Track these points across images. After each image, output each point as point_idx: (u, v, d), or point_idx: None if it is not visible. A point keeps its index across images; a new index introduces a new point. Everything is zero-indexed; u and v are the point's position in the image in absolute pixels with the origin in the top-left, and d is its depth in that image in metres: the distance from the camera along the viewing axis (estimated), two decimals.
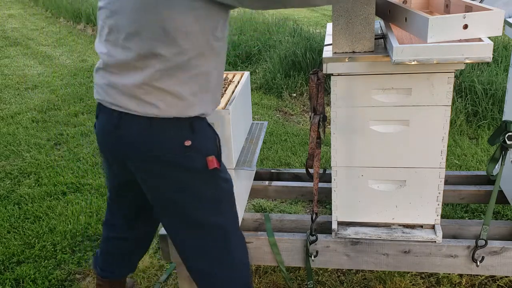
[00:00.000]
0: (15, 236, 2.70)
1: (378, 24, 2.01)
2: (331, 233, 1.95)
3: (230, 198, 1.67)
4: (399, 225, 1.93)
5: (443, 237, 1.90)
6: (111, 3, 1.41)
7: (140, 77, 1.40)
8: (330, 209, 2.30)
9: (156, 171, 1.52)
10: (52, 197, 3.09)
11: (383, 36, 1.83)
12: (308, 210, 2.88)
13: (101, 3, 1.47)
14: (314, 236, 1.92)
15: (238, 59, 5.71)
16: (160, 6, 1.31)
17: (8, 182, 3.31)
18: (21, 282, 2.35)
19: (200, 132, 1.50)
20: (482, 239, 1.82)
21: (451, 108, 1.78)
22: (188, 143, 1.47)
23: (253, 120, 2.53)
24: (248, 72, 2.31)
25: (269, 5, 1.41)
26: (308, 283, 2.01)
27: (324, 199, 2.50)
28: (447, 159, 2.75)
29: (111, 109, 1.49)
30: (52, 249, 2.58)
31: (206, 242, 1.66)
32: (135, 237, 1.93)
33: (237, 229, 1.75)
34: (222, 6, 1.37)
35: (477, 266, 1.86)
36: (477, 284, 2.20)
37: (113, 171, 1.71)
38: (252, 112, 2.73)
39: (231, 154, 1.89)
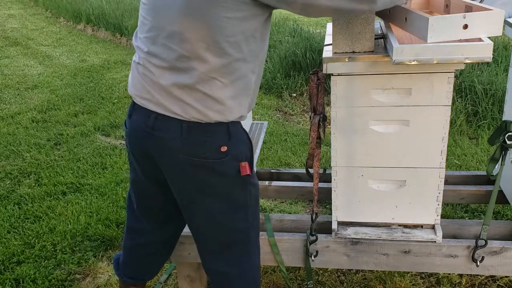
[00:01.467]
0: (15, 236, 2.70)
1: (378, 24, 2.01)
2: (331, 233, 1.95)
3: (256, 204, 1.65)
4: (399, 225, 1.93)
5: (443, 237, 1.90)
6: (155, 0, 1.39)
7: (180, 78, 1.38)
8: (330, 209, 2.30)
9: (188, 174, 1.49)
10: (52, 197, 3.09)
11: (383, 36, 1.83)
12: (308, 210, 2.88)
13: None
14: (314, 236, 1.92)
15: None
16: (205, 7, 1.29)
17: (8, 182, 3.31)
18: (21, 282, 2.35)
19: (235, 138, 1.47)
20: (482, 239, 1.82)
21: (451, 108, 1.79)
22: (224, 148, 1.44)
23: (253, 120, 2.52)
24: None
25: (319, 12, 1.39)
26: (308, 283, 2.01)
27: (324, 199, 2.50)
28: (447, 159, 2.75)
29: (147, 109, 1.46)
30: (52, 249, 2.58)
31: (229, 246, 1.65)
32: (162, 240, 1.87)
33: (258, 234, 1.73)
34: (266, 7, 1.34)
35: (477, 266, 1.86)
36: (477, 284, 2.20)
37: (145, 172, 1.65)
38: (252, 112, 2.73)
39: None
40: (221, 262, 1.70)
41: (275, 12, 1.70)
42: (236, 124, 1.48)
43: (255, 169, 2.30)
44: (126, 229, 1.89)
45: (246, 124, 2.31)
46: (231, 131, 1.45)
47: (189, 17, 1.31)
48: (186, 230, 2.05)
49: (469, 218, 2.70)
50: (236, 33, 1.33)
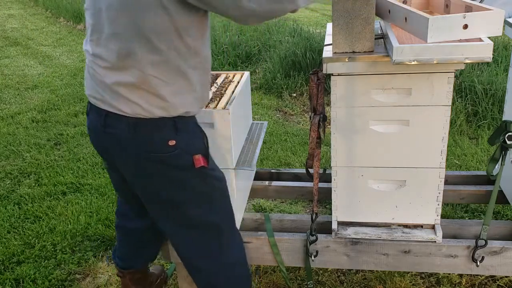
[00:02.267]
0: (15, 236, 2.70)
1: (378, 24, 2.01)
2: (331, 233, 1.95)
3: (223, 197, 1.68)
4: (399, 225, 1.93)
5: (443, 237, 1.90)
6: (94, 4, 1.44)
7: (122, 77, 1.43)
8: (330, 209, 2.30)
9: (143, 169, 1.54)
10: (52, 197, 3.09)
11: (383, 36, 1.83)
12: (308, 210, 2.88)
13: (86, 4, 1.50)
14: (314, 236, 1.92)
15: (238, 59, 5.71)
16: (132, 6, 1.33)
17: (8, 182, 3.31)
18: (21, 282, 2.35)
19: (184, 132, 1.51)
20: (482, 239, 1.82)
21: (451, 108, 1.79)
22: (172, 142, 1.49)
23: (253, 120, 2.53)
24: (248, 72, 2.31)
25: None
26: (308, 283, 2.01)
27: (324, 199, 2.50)
28: (447, 159, 2.75)
29: (99, 108, 1.52)
30: (52, 249, 2.58)
31: (201, 240, 1.68)
32: (146, 227, 1.92)
33: (232, 227, 1.76)
34: (192, 5, 1.37)
35: (477, 266, 1.86)
36: (477, 284, 2.20)
37: (111, 166, 1.72)
38: (252, 112, 2.73)
39: (231, 154, 1.89)
40: (195, 257, 1.72)
41: None
42: (186, 118, 1.52)
43: (254, 168, 2.30)
44: (116, 210, 1.97)
45: (246, 124, 2.31)
46: (179, 126, 1.49)
47: (123, 17, 1.36)
48: None
49: (469, 218, 2.70)
50: (167, 30, 1.36)
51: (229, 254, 1.75)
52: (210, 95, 2.00)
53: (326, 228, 2.02)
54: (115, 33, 1.39)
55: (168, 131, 1.48)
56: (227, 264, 1.75)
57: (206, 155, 1.56)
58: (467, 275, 2.23)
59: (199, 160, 1.53)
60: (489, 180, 2.34)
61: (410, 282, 2.22)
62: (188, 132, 1.53)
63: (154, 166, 1.52)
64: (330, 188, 1.93)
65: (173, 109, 1.47)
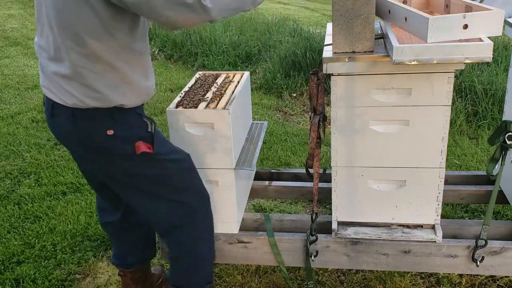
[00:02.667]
0: (15, 236, 2.70)
1: (378, 24, 2.01)
2: (331, 233, 1.95)
3: (185, 176, 1.71)
4: (399, 225, 1.94)
5: (443, 237, 1.90)
6: None
7: (59, 68, 1.47)
8: (330, 209, 2.30)
9: (90, 159, 1.61)
10: (52, 197, 3.09)
11: (383, 36, 1.83)
12: (308, 210, 2.88)
13: None
14: (314, 236, 1.92)
15: (238, 59, 5.71)
16: (62, 2, 1.37)
17: (8, 182, 3.31)
18: (21, 282, 2.35)
19: (123, 122, 1.54)
20: (482, 239, 1.82)
21: (451, 108, 1.79)
22: (110, 132, 1.52)
23: (253, 120, 2.53)
24: (248, 72, 2.31)
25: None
26: (308, 283, 2.01)
27: (324, 199, 2.50)
28: (447, 159, 2.75)
29: (48, 97, 1.56)
30: (52, 249, 2.58)
31: (168, 229, 1.76)
32: (124, 218, 1.93)
33: (204, 218, 1.79)
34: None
35: (477, 266, 1.86)
36: (477, 284, 2.20)
37: (72, 156, 1.77)
38: (252, 112, 2.73)
39: (231, 154, 1.89)
40: (169, 245, 1.79)
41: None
42: (124, 110, 1.54)
43: (254, 168, 2.30)
44: (96, 206, 2.01)
45: (246, 124, 2.31)
46: (116, 116, 1.52)
47: (55, 12, 1.39)
48: None
49: (469, 218, 2.70)
50: (95, 26, 1.38)
51: (199, 247, 1.80)
52: (210, 95, 2.00)
53: (326, 228, 2.02)
54: (50, 25, 1.43)
55: (106, 122, 1.51)
56: (194, 256, 1.81)
57: (150, 141, 1.57)
58: (467, 275, 2.23)
59: (139, 147, 1.55)
60: (489, 180, 2.34)
61: (410, 282, 2.22)
62: (127, 122, 1.55)
63: (98, 155, 1.57)
64: (330, 188, 1.93)
65: (108, 101, 1.49)
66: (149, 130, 1.59)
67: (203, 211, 1.80)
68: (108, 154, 1.56)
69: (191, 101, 1.95)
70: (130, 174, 1.62)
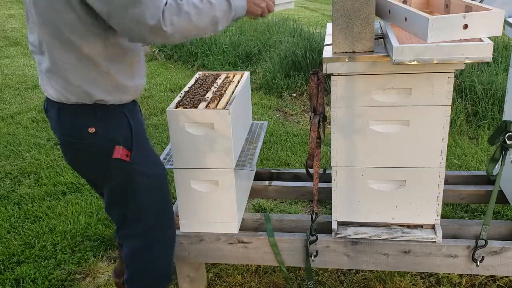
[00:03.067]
0: (15, 236, 2.70)
1: (378, 24, 2.01)
2: (331, 233, 1.95)
3: (151, 194, 1.68)
4: (399, 225, 1.93)
5: (443, 237, 1.90)
6: None
7: (44, 63, 1.50)
8: (330, 209, 2.30)
9: (73, 154, 1.61)
10: (52, 197, 3.09)
11: (383, 36, 1.83)
12: (308, 210, 2.88)
13: None
14: (314, 236, 1.92)
15: (238, 59, 5.71)
16: (43, 1, 1.40)
17: (8, 182, 3.31)
18: (21, 282, 2.35)
19: (105, 120, 1.53)
20: (482, 239, 1.82)
21: (451, 108, 1.79)
22: (92, 130, 1.52)
23: (253, 120, 2.53)
24: (248, 72, 2.31)
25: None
26: (309, 283, 2.01)
27: (324, 199, 2.50)
28: (447, 159, 2.75)
29: (44, 93, 1.60)
30: (52, 249, 2.58)
31: (126, 236, 1.76)
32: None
33: (160, 228, 1.76)
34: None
35: (477, 266, 1.86)
36: (477, 284, 2.20)
37: None
38: (252, 112, 2.73)
39: (231, 154, 1.89)
40: (124, 250, 1.78)
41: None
42: (107, 107, 1.53)
43: (254, 168, 2.30)
44: None
45: (246, 124, 2.31)
46: (99, 113, 1.52)
47: (36, 6, 1.43)
48: (186, 229, 2.05)
49: (469, 218, 2.70)
50: (75, 24, 1.39)
51: (151, 262, 1.78)
52: (210, 95, 2.00)
53: (326, 228, 2.02)
54: (33, 21, 1.47)
55: (88, 118, 1.52)
56: (146, 270, 1.79)
57: (129, 148, 1.57)
58: (467, 275, 2.23)
59: (117, 151, 1.54)
60: (489, 180, 2.34)
61: (410, 282, 2.22)
62: (109, 120, 1.54)
63: (80, 152, 1.57)
64: (330, 188, 1.93)
65: (88, 96, 1.49)
66: (129, 133, 1.58)
67: (161, 232, 1.78)
68: (84, 152, 1.56)
69: (191, 101, 1.95)
70: (101, 175, 1.62)
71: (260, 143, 2.22)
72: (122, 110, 1.57)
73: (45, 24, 1.42)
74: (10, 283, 2.33)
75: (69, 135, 1.54)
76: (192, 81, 2.21)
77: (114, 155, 1.54)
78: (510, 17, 2.05)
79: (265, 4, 1.58)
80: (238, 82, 2.17)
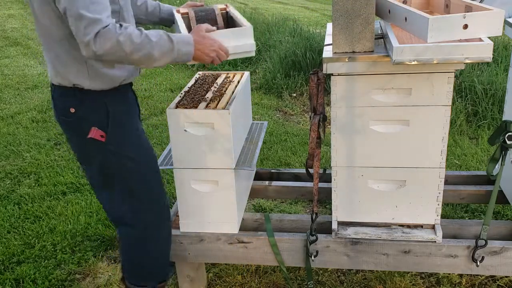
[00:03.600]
0: (15, 236, 2.70)
1: (378, 24, 2.01)
2: (331, 233, 1.95)
3: (140, 177, 1.77)
4: (399, 225, 1.94)
5: (443, 237, 1.90)
6: None
7: (43, 45, 1.64)
8: (330, 209, 2.30)
9: (64, 130, 1.75)
10: (52, 197, 3.09)
11: (383, 36, 1.83)
12: (308, 210, 2.88)
13: None
14: (314, 236, 1.92)
15: (238, 59, 5.71)
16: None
17: (8, 182, 3.31)
18: (21, 282, 2.35)
19: (85, 103, 1.65)
20: (482, 239, 1.82)
21: (451, 108, 1.78)
22: (72, 110, 1.65)
23: (253, 120, 2.53)
24: (248, 72, 2.31)
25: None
26: (309, 283, 2.01)
27: (324, 199, 2.50)
28: (447, 159, 2.75)
29: None
30: (52, 249, 2.58)
31: (116, 210, 1.83)
32: None
33: (154, 210, 1.83)
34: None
35: (477, 266, 1.86)
36: (477, 284, 2.20)
37: None
38: (252, 112, 2.73)
39: (231, 154, 1.89)
40: (119, 236, 1.89)
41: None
42: (86, 92, 1.64)
43: (254, 168, 2.29)
44: None
45: (246, 124, 2.31)
46: (78, 96, 1.64)
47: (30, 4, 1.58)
48: (186, 229, 2.05)
49: (469, 218, 2.70)
50: (52, 10, 1.51)
51: (141, 250, 1.87)
52: (210, 95, 2.00)
53: (326, 228, 2.02)
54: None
55: (70, 99, 1.65)
56: (136, 262, 1.91)
57: (104, 130, 1.68)
58: (467, 275, 2.23)
59: (93, 132, 1.66)
60: (489, 180, 2.34)
61: (410, 282, 2.22)
62: (86, 103, 1.66)
63: (67, 130, 1.73)
64: (330, 188, 1.93)
65: (66, 80, 1.62)
66: (106, 118, 1.68)
67: (155, 215, 1.84)
68: (70, 130, 1.72)
69: (191, 101, 1.95)
70: (82, 152, 1.75)
71: (260, 143, 2.22)
72: (101, 96, 1.67)
73: (35, 14, 1.57)
74: (10, 283, 2.33)
75: (60, 114, 1.69)
76: (192, 81, 2.21)
77: (89, 134, 1.67)
78: (510, 17, 2.05)
79: (216, 54, 1.62)
80: (238, 82, 2.17)
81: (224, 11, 1.99)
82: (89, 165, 1.77)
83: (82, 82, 1.62)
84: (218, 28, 1.78)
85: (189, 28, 1.88)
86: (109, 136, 1.68)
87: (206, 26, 1.63)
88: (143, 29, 1.51)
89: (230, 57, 1.68)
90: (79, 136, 1.69)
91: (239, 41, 1.66)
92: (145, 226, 1.84)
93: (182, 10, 1.96)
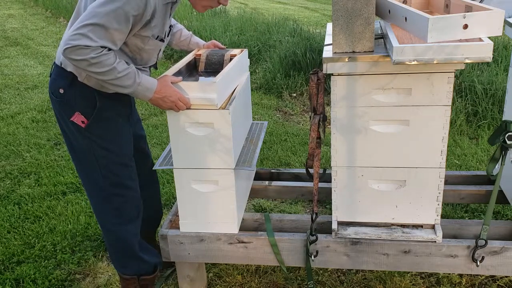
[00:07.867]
0: (15, 236, 2.70)
1: (378, 24, 2.01)
2: (331, 233, 1.95)
3: (91, 160, 1.87)
4: (399, 225, 1.94)
5: (443, 237, 1.90)
6: None
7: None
8: (330, 209, 2.30)
9: (52, 107, 1.87)
10: (52, 197, 3.09)
11: (383, 36, 1.83)
12: (308, 210, 2.88)
13: None
14: (314, 236, 1.92)
15: None
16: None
17: (8, 182, 3.31)
18: (21, 282, 2.35)
19: (75, 88, 1.76)
20: (482, 239, 1.82)
21: (451, 108, 1.78)
22: (61, 90, 1.77)
23: (253, 120, 2.53)
24: (248, 73, 2.31)
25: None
26: (309, 283, 2.01)
27: (324, 199, 2.50)
28: (447, 159, 2.75)
29: None
30: (52, 249, 2.58)
31: (90, 191, 1.97)
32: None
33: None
34: None
35: (477, 266, 1.86)
36: (477, 284, 2.20)
37: None
38: (252, 112, 2.73)
39: (231, 154, 1.89)
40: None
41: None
42: (79, 81, 1.75)
43: (254, 168, 2.29)
44: None
45: (246, 124, 2.31)
46: (70, 81, 1.75)
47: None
48: (186, 229, 2.05)
49: (469, 218, 2.70)
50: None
51: (116, 232, 2.01)
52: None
53: (326, 228, 2.02)
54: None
55: (63, 81, 1.77)
56: (114, 243, 2.04)
57: (87, 118, 1.79)
58: (467, 275, 2.23)
59: (75, 116, 1.78)
60: (489, 180, 2.34)
61: (410, 282, 2.22)
62: (77, 90, 1.76)
63: (53, 106, 1.85)
64: (330, 188, 1.93)
65: (67, 64, 1.75)
66: (91, 107, 1.78)
67: (123, 202, 1.96)
68: (57, 108, 1.83)
69: None
70: (64, 132, 1.88)
71: (260, 143, 2.22)
72: (94, 90, 1.77)
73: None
74: (10, 283, 2.33)
75: (51, 91, 1.81)
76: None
77: (71, 117, 1.78)
78: (510, 17, 2.05)
79: (173, 104, 1.76)
80: (236, 56, 2.15)
81: (235, 56, 2.12)
82: (69, 146, 1.90)
83: (79, 75, 1.75)
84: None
85: (196, 69, 2.14)
86: (90, 124, 1.80)
87: (171, 77, 1.78)
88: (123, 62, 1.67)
89: (193, 107, 1.80)
90: (62, 117, 1.82)
91: (204, 94, 1.79)
92: (115, 209, 1.97)
93: (200, 51, 2.17)
